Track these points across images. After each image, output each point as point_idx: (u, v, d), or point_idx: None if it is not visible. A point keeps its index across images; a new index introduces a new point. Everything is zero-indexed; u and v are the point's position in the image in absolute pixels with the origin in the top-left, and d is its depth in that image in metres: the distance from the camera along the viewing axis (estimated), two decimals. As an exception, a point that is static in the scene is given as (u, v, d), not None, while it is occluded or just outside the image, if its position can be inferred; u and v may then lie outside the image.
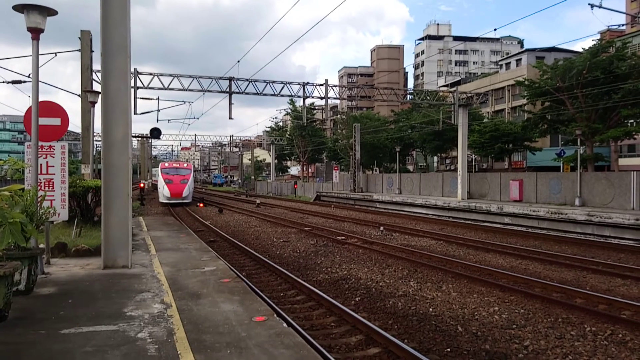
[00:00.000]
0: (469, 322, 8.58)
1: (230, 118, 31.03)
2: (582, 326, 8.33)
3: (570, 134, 34.94)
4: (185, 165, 43.88)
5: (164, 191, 38.64)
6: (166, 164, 43.37)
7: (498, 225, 24.84)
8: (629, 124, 33.74)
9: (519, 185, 30.19)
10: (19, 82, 21.42)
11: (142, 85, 27.63)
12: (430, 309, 9.40)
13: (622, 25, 48.64)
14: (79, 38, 19.87)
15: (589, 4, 15.25)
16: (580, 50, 36.26)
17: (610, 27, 36.00)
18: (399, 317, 8.93)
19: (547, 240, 19.01)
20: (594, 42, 34.69)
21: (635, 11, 43.70)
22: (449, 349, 7.33)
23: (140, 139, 60.71)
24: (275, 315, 5.98)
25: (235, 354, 4.64)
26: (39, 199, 7.39)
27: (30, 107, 8.33)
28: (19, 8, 7.49)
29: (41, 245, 8.64)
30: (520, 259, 14.69)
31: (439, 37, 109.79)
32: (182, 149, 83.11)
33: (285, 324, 5.64)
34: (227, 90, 29.61)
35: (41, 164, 8.80)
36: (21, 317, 5.76)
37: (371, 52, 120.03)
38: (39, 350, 4.70)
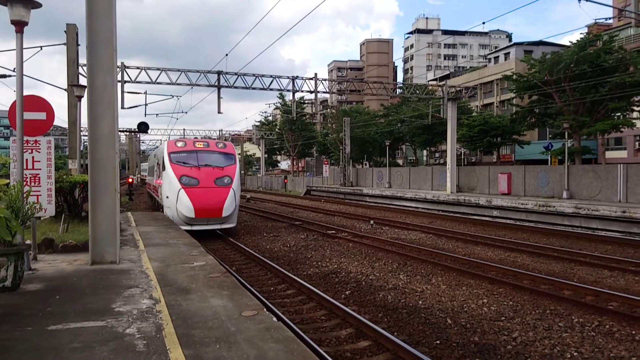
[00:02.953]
0: (458, 315, 8.62)
1: (219, 112, 30.94)
2: (570, 317, 8.41)
3: (558, 127, 35.21)
4: (219, 146, 20.00)
5: (179, 204, 17.12)
6: (179, 144, 19.50)
7: (487, 218, 24.99)
8: (616, 117, 34.07)
9: (507, 178, 30.38)
10: (4, 76, 21.14)
11: (129, 79, 27.37)
12: (420, 302, 9.43)
13: (609, 18, 48.97)
14: (65, 31, 19.62)
15: (576, -2, 15.32)
16: (568, 43, 36.48)
17: (597, 20, 36.19)
18: (388, 310, 8.96)
19: (536, 233, 19.16)
20: (582, 36, 34.92)
21: (622, 5, 44.00)
22: (438, 341, 7.37)
23: (128, 133, 60.24)
24: (265, 309, 5.96)
25: (224, 348, 4.62)
26: (25, 195, 7.30)
27: (14, 102, 8.21)
28: (2, 0, 7.36)
29: (28, 241, 8.53)
30: (508, 252, 14.79)
31: (428, 31, 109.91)
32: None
33: (275, 318, 5.62)
34: (216, 84, 29.44)
35: (27, 159, 8.68)
36: (7, 314, 5.69)
37: (360, 46, 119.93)
38: (26, 347, 4.64)
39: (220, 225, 17.41)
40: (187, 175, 17.37)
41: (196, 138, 21.68)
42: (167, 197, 17.78)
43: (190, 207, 16.63)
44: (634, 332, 7.70)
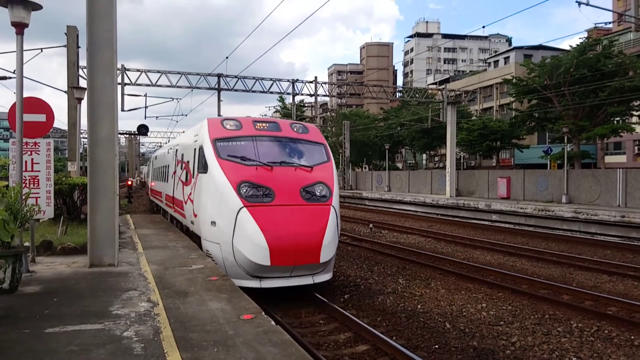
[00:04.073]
0: (457, 319, 8.61)
1: (219, 115, 30.89)
2: (569, 322, 8.40)
3: (557, 132, 35.24)
4: (296, 129, 11.28)
5: (240, 238, 9.03)
6: (229, 125, 10.79)
7: (486, 223, 24.98)
8: (615, 122, 34.13)
9: (506, 182, 30.40)
10: (4, 78, 21.15)
11: (129, 82, 27.42)
12: (419, 306, 9.42)
13: (609, 23, 49.10)
14: (65, 34, 19.66)
15: (576, 2, 15.40)
16: (568, 48, 36.57)
17: (597, 25, 36.32)
18: (387, 314, 8.94)
19: (535, 237, 19.15)
20: (582, 40, 35.02)
21: (622, 9, 44.10)
22: (437, 346, 7.35)
23: (127, 136, 60.24)
24: (263, 313, 5.95)
25: (222, 352, 4.60)
26: (24, 197, 7.29)
27: (14, 103, 8.21)
28: (2, 2, 7.36)
29: (26, 243, 8.53)
30: (507, 256, 14.78)
31: (428, 35, 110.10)
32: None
33: (273, 322, 5.61)
34: (216, 87, 29.49)
35: (26, 161, 8.66)
36: (5, 316, 5.67)
37: (361, 49, 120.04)
38: (23, 349, 4.63)
39: (312, 278, 9.45)
40: (251, 183, 9.48)
41: (249, 117, 12.17)
42: (214, 222, 9.69)
43: (262, 245, 8.77)
44: (632, 337, 7.68)
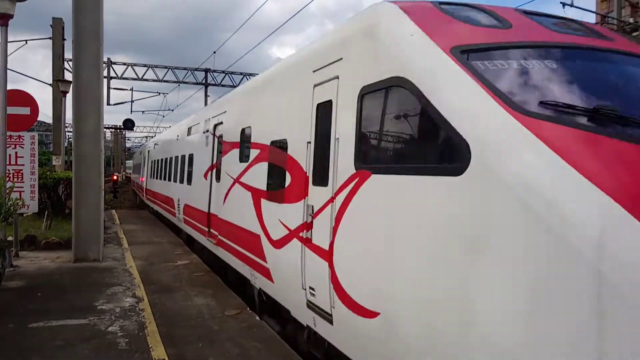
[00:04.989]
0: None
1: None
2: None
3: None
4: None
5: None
6: (464, 15, 3.48)
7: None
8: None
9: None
10: (-13, 70, 20.87)
11: (115, 76, 27.14)
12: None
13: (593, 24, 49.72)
14: (51, 25, 19.44)
15: (561, 3, 15.56)
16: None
17: (582, 26, 36.75)
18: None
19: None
20: (567, 41, 35.43)
21: (605, 11, 44.75)
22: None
23: (113, 130, 59.64)
24: (248, 308, 5.98)
25: (207, 347, 4.63)
26: (7, 190, 7.22)
27: (-2, 96, 8.11)
28: (-14, -7, 7.29)
29: (10, 238, 8.46)
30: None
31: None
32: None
33: (257, 317, 5.65)
34: (203, 82, 29.31)
35: (10, 155, 8.58)
36: (-12, 311, 5.64)
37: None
38: (7, 345, 4.61)
39: None
40: None
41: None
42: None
43: None
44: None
